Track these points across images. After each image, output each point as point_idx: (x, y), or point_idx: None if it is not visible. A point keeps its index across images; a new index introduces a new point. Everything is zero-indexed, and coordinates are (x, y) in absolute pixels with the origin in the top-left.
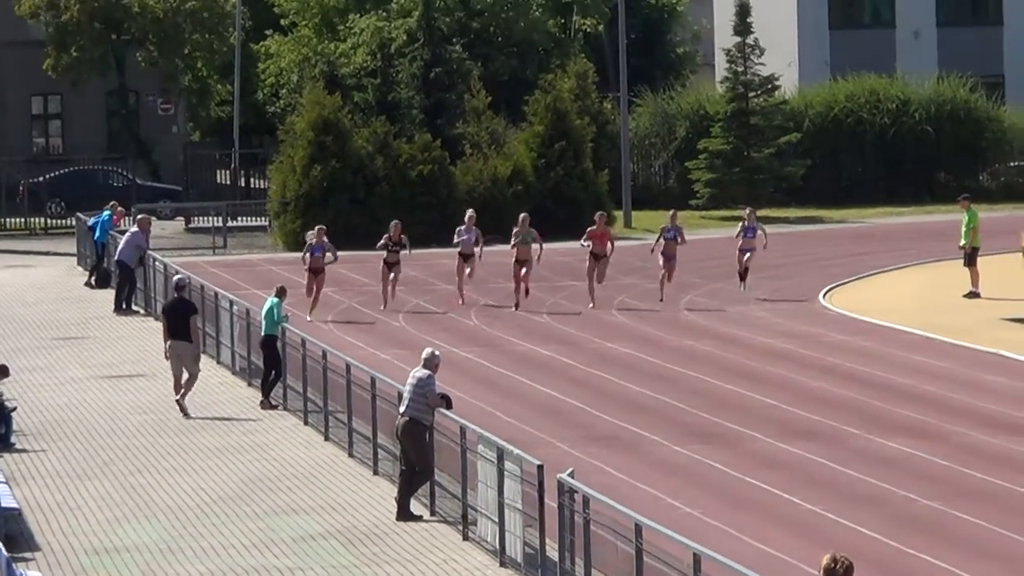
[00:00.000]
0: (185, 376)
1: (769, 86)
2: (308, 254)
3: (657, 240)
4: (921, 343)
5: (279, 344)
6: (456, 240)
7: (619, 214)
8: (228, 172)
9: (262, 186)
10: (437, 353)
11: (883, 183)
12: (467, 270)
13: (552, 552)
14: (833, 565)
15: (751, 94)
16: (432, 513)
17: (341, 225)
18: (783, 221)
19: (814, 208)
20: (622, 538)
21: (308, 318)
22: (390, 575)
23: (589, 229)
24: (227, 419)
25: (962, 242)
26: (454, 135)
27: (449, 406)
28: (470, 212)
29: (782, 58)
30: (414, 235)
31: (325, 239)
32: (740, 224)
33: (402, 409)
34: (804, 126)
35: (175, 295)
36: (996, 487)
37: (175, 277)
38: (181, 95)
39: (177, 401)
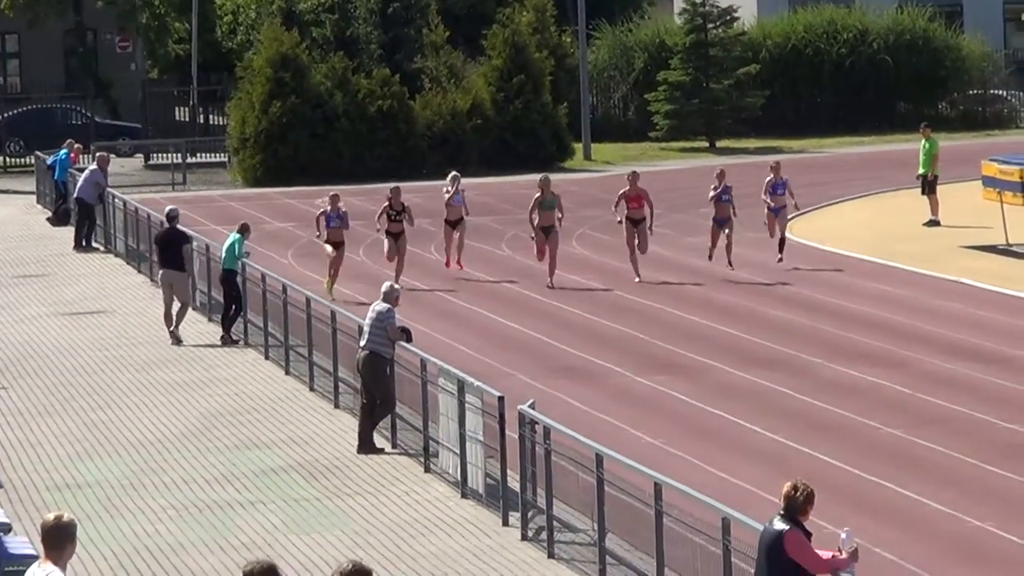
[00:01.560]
0: (177, 305)
1: (728, 17)
2: (323, 224)
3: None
4: (881, 272)
5: (239, 279)
6: (447, 199)
7: (579, 147)
8: (187, 109)
9: (221, 123)
10: (397, 286)
11: (842, 113)
12: (456, 235)
13: (513, 483)
14: (794, 492)
15: (710, 25)
16: (394, 446)
17: (300, 161)
18: (742, 152)
19: (773, 139)
20: (583, 468)
21: (331, 297)
22: (352, 507)
23: (621, 192)
24: (188, 354)
25: (921, 170)
26: (413, 70)
27: (409, 339)
28: (454, 173)
29: None
30: (373, 170)
31: (341, 206)
32: (767, 180)
33: (362, 343)
34: (762, 57)
35: (166, 225)
36: (957, 413)
37: (167, 207)
38: (139, 33)
39: (171, 332)
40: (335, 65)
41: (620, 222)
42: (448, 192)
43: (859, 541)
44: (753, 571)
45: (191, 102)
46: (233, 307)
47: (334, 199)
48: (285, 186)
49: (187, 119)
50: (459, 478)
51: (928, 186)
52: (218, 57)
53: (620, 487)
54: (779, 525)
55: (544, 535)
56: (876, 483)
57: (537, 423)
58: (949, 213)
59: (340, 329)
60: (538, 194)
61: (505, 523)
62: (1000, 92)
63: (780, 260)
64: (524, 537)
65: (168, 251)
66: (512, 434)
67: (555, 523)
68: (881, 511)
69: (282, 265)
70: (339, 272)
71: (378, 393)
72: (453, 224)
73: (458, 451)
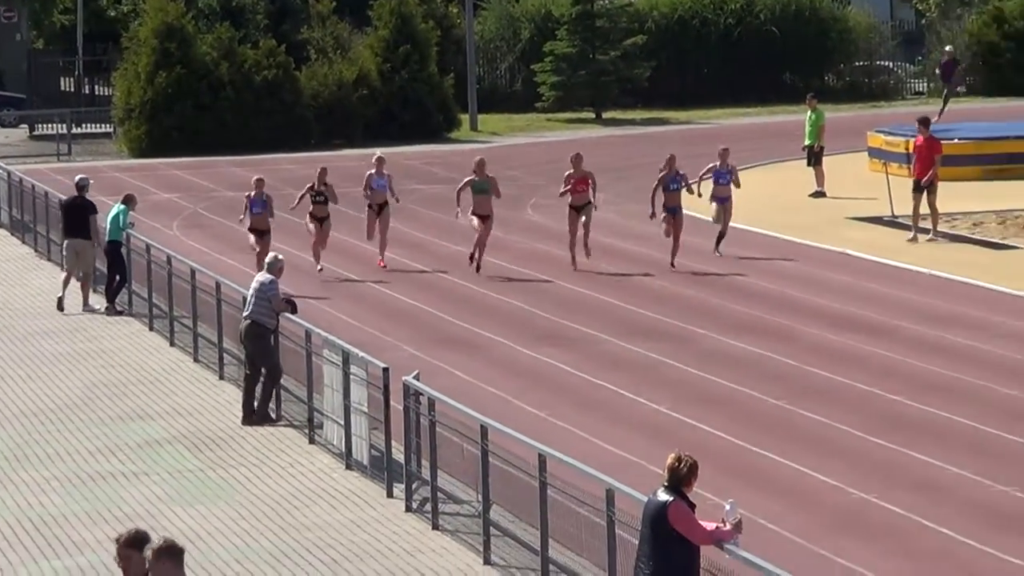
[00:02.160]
0: (80, 274)
1: None
2: (247, 210)
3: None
4: (766, 243)
5: (123, 250)
6: (366, 190)
7: (465, 118)
8: (72, 79)
9: (107, 93)
10: (280, 258)
11: (728, 84)
12: (377, 224)
13: (398, 455)
14: (678, 464)
15: None
16: (278, 418)
17: (186, 131)
18: (629, 123)
19: (660, 110)
20: (468, 439)
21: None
22: (236, 479)
23: (567, 174)
24: (72, 325)
25: (807, 142)
26: (299, 40)
27: (294, 310)
28: (379, 154)
29: None
30: (259, 140)
31: (265, 192)
32: (709, 166)
33: (246, 313)
34: (649, 28)
35: (75, 194)
36: (841, 385)
37: (77, 177)
38: (24, 3)
39: (60, 298)
40: (221, 35)
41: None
42: (370, 175)
43: (743, 512)
44: (637, 542)
45: (76, 72)
46: (117, 278)
47: (259, 183)
48: (171, 156)
49: (72, 89)
50: (343, 449)
51: (814, 157)
52: (104, 27)
53: (505, 459)
54: (663, 496)
55: (428, 507)
56: (760, 454)
57: (422, 394)
58: (835, 184)
59: (225, 300)
60: (470, 176)
61: (389, 495)
62: (886, 63)
63: (717, 253)
64: (408, 509)
65: (76, 220)
66: (397, 405)
67: (439, 495)
68: (765, 482)
69: (167, 236)
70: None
71: (263, 363)
72: (379, 209)
73: (343, 423)
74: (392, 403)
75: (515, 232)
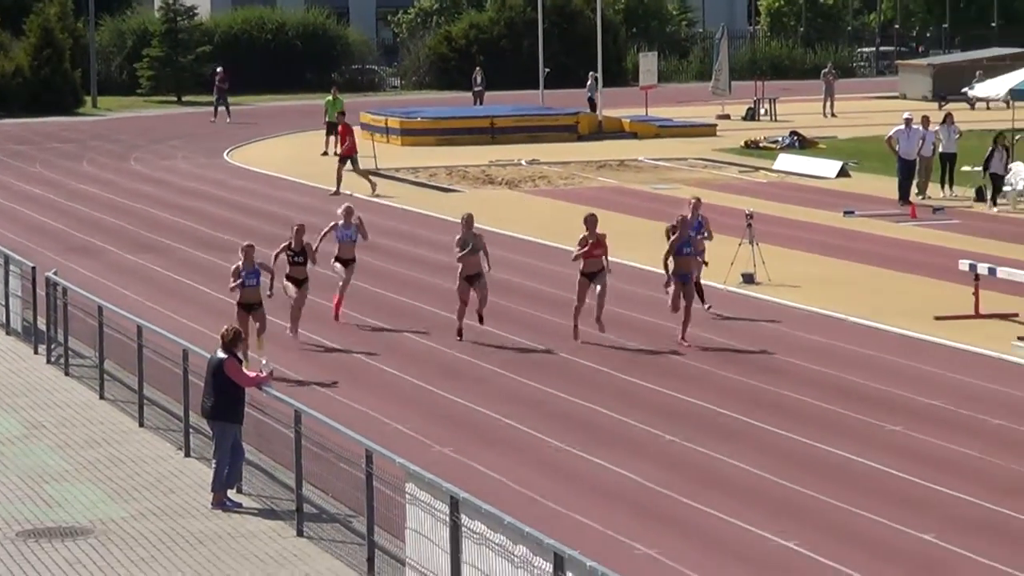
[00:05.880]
0: None
1: (191, 12)
2: (238, 282)
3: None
4: (288, 185)
5: None
6: (335, 235)
7: (89, 99)
8: None
9: None
10: None
11: (269, 79)
12: (344, 279)
13: (42, 326)
14: (227, 333)
15: (178, 18)
16: None
17: None
18: (200, 104)
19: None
20: (90, 316)
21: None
22: None
23: (581, 237)
24: None
25: (328, 119)
26: None
27: None
28: (347, 205)
29: None
30: None
31: (256, 259)
32: (677, 218)
33: None
34: (215, 40)
35: None
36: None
37: None
38: None
39: None
40: None
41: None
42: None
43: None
44: (203, 384)
45: None
46: None
47: (249, 251)
48: None
49: None
50: (4, 321)
51: (332, 128)
52: None
53: (118, 331)
54: (220, 355)
55: (62, 360)
56: (484, 414)
57: (59, 285)
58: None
59: None
60: (459, 235)
61: (36, 352)
62: (373, 67)
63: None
64: (48, 361)
65: None
66: (41, 292)
67: (70, 352)
68: (487, 435)
69: None
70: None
71: None
72: (345, 263)
73: (3, 303)
74: (38, 290)
75: (117, 173)
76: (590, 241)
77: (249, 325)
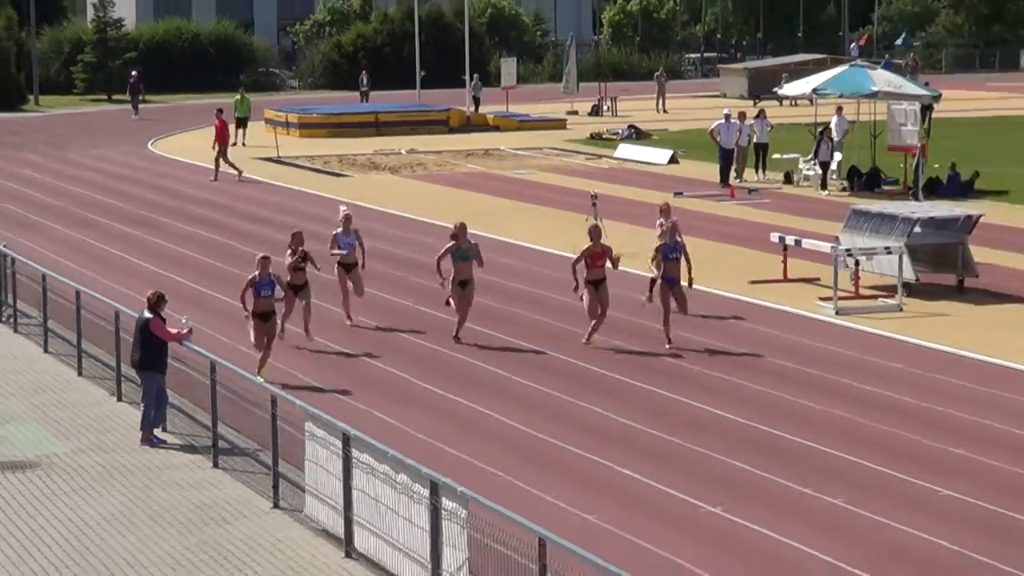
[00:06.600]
0: None
1: (119, 24)
2: (252, 293)
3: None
4: (203, 171)
5: None
6: (334, 250)
7: (32, 97)
8: None
9: None
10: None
11: (186, 80)
12: (350, 285)
13: None
14: (153, 296)
15: (108, 28)
16: None
17: None
18: (127, 103)
19: (155, 93)
20: (34, 282)
21: (259, 379)
22: None
23: (583, 248)
24: None
25: (239, 115)
26: None
27: None
28: (345, 211)
29: (126, 5)
30: None
31: (271, 270)
32: (659, 225)
33: None
34: (141, 47)
35: None
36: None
37: None
38: None
39: None
40: None
41: (576, 290)
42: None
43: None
44: (132, 341)
45: None
46: None
47: (265, 262)
48: None
49: None
50: None
51: (241, 123)
52: None
53: (58, 295)
54: (147, 315)
55: (12, 320)
56: (403, 377)
57: (9, 256)
58: (250, 139)
59: None
60: (451, 243)
61: None
62: (275, 70)
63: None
64: (0, 321)
65: None
66: None
67: (19, 313)
68: (415, 402)
69: None
70: (271, 353)
71: None
72: (348, 268)
73: None
74: None
75: (60, 162)
76: (592, 252)
77: (263, 334)
